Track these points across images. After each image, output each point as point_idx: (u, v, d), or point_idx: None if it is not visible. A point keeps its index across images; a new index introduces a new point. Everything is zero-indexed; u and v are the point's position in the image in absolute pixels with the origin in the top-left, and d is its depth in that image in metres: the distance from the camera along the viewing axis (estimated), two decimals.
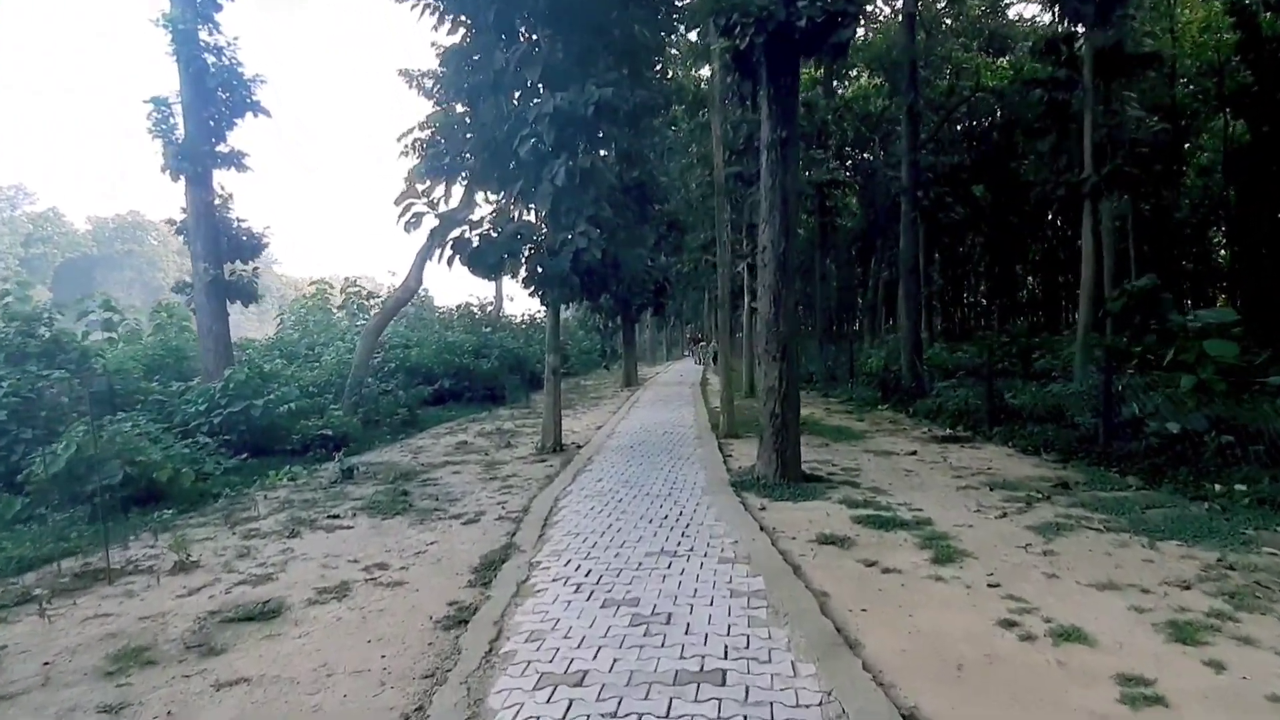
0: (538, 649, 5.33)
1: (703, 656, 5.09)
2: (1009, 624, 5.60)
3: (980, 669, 4.92)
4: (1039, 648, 5.21)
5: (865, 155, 46.79)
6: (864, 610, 5.97)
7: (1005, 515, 8.63)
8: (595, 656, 5.14)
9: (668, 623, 5.69)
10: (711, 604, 6.05)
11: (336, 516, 9.60)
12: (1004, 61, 41.70)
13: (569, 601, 6.23)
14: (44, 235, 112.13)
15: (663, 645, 5.29)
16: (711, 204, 27.50)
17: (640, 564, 7.18)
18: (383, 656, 5.48)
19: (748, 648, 5.23)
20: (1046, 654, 5.11)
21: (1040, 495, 9.50)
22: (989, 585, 6.44)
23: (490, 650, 5.41)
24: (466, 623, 6.01)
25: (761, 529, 8.30)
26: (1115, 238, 23.88)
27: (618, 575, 6.85)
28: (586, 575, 6.89)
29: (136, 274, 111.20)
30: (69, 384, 13.32)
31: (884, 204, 41.09)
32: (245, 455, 13.40)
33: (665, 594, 6.30)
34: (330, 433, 15.21)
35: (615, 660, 5.07)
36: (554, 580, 6.80)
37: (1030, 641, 5.31)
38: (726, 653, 5.14)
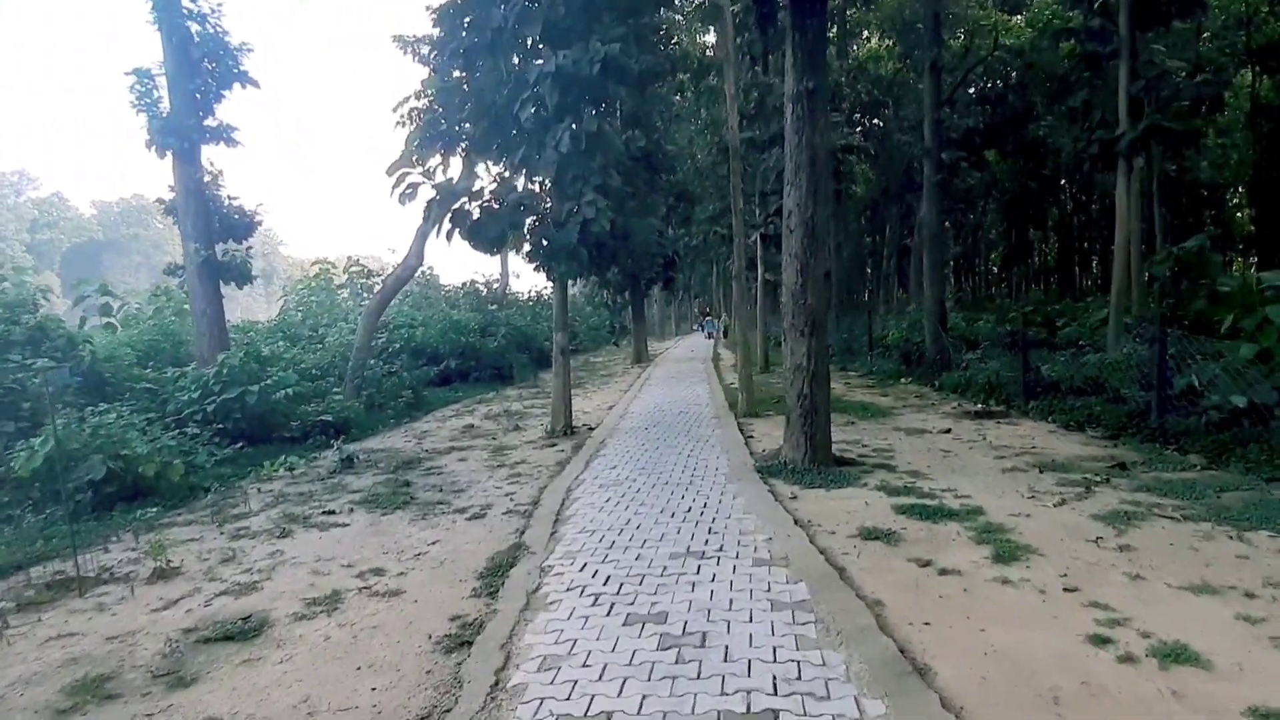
0: (551, 681, 4.53)
1: (748, 691, 4.28)
2: (1101, 640, 4.78)
3: (1081, 703, 4.09)
4: (1144, 672, 4.39)
5: (876, 121, 45.63)
6: (927, 624, 5.15)
7: (1064, 502, 7.79)
8: (620, 692, 4.33)
9: (702, 645, 4.87)
10: (751, 620, 5.23)
11: (332, 512, 8.82)
12: (1019, 20, 40.32)
13: (586, 617, 5.42)
14: (49, 220, 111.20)
15: (699, 676, 4.47)
16: (721, 172, 26.46)
17: (665, 568, 6.36)
18: (373, 689, 4.69)
19: (800, 678, 4.41)
20: (1155, 680, 4.28)
21: (1098, 478, 8.64)
22: (1065, 590, 5.62)
23: (497, 683, 4.61)
24: (470, 644, 5.22)
25: (796, 523, 7.48)
26: (1141, 201, 22.82)
27: (640, 583, 6.04)
28: (605, 583, 6.08)
29: (144, 258, 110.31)
30: (62, 373, 12.66)
31: (899, 170, 40.00)
32: (241, 444, 12.62)
33: (696, 607, 5.48)
34: (330, 418, 14.41)
35: (644, 697, 4.26)
36: (568, 590, 5.99)
37: (1132, 664, 4.48)
38: (776, 686, 4.32)
